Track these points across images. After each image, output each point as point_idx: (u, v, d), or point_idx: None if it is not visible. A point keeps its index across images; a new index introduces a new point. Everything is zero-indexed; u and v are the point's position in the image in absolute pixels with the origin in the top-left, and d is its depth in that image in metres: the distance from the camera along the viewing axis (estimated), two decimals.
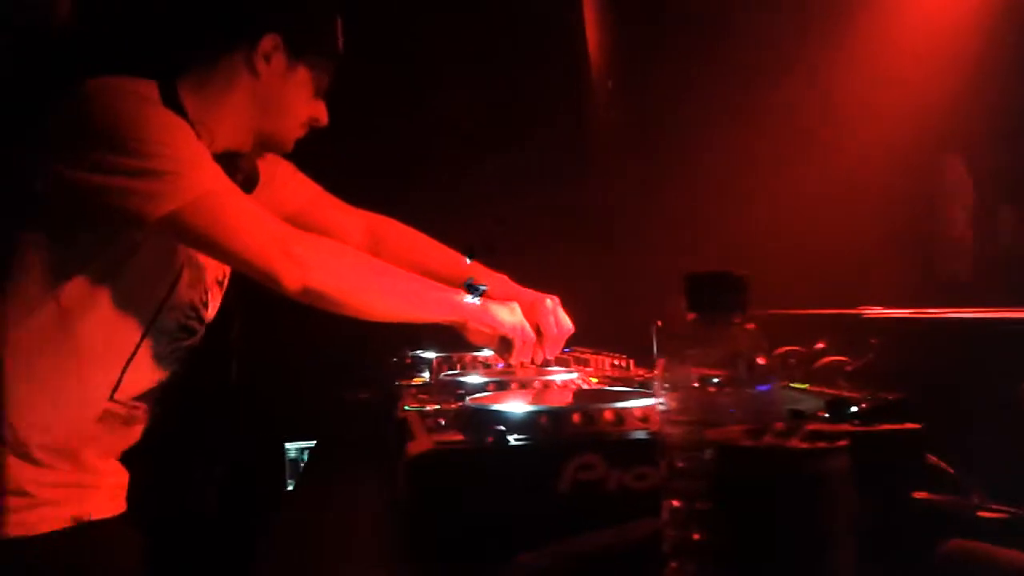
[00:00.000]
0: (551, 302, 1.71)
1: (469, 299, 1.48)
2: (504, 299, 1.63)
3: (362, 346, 2.01)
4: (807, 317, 2.02)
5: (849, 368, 1.81)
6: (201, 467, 1.74)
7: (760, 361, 0.69)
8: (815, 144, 2.04)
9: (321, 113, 1.56)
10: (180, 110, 1.38)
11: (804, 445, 0.54)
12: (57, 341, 1.31)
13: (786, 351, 1.97)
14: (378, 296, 1.45)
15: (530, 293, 1.73)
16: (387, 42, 2.15)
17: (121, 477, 1.44)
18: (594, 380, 1.48)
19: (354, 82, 2.01)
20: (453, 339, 1.59)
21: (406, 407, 1.20)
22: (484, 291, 1.51)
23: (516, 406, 1.02)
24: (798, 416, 0.96)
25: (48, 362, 1.30)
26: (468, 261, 1.75)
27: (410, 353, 1.88)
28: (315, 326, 1.61)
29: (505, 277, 1.76)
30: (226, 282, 1.57)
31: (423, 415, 1.13)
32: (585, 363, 1.64)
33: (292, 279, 1.31)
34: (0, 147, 1.41)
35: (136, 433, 1.45)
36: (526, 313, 1.65)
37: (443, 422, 1.06)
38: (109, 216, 1.28)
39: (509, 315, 1.58)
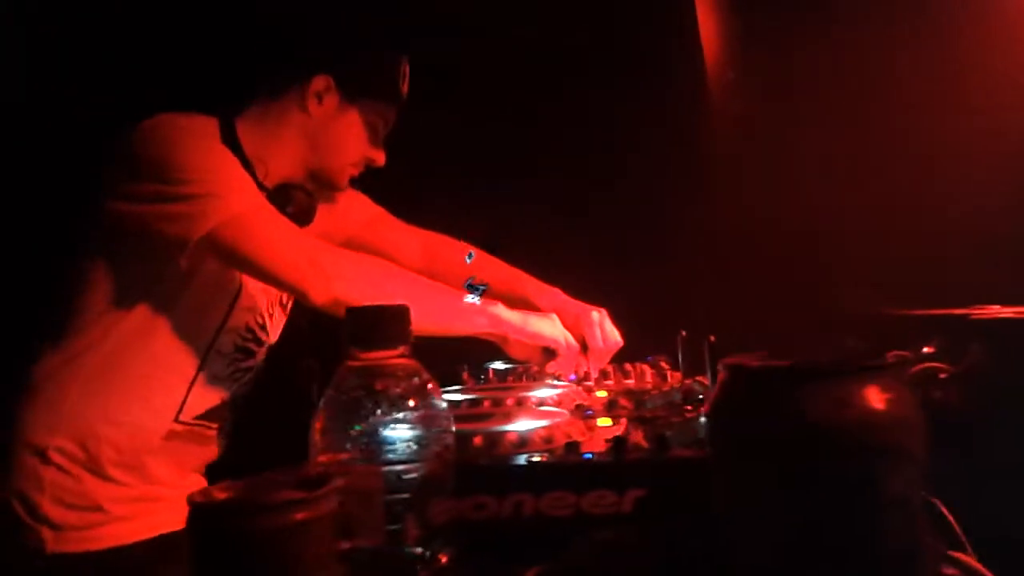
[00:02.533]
0: (597, 314, 1.65)
1: (470, 298, 1.46)
2: (551, 311, 1.60)
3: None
4: (919, 318, 1.73)
5: (943, 376, 1.53)
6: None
7: (412, 401, 0.65)
8: (942, 139, 1.75)
9: (378, 156, 1.60)
10: (236, 145, 1.45)
11: (285, 496, 0.52)
12: (123, 367, 1.40)
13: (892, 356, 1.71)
14: (411, 309, 1.47)
15: (576, 305, 1.68)
16: (489, 44, 2.15)
17: None
18: (602, 394, 1.39)
19: (457, 84, 2.04)
20: None
21: None
22: (484, 291, 1.48)
23: None
24: (617, 446, 0.85)
25: (116, 387, 1.40)
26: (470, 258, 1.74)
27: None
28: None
29: (557, 290, 1.72)
30: (290, 304, 1.64)
31: None
32: (626, 374, 1.55)
33: (319, 292, 1.35)
34: (62, 183, 1.55)
35: (211, 451, 1.54)
36: (571, 326, 1.61)
37: None
38: (158, 243, 1.34)
39: (550, 327, 1.55)
